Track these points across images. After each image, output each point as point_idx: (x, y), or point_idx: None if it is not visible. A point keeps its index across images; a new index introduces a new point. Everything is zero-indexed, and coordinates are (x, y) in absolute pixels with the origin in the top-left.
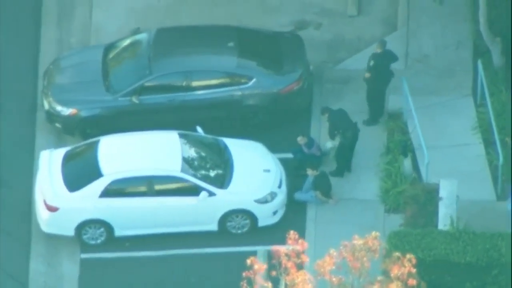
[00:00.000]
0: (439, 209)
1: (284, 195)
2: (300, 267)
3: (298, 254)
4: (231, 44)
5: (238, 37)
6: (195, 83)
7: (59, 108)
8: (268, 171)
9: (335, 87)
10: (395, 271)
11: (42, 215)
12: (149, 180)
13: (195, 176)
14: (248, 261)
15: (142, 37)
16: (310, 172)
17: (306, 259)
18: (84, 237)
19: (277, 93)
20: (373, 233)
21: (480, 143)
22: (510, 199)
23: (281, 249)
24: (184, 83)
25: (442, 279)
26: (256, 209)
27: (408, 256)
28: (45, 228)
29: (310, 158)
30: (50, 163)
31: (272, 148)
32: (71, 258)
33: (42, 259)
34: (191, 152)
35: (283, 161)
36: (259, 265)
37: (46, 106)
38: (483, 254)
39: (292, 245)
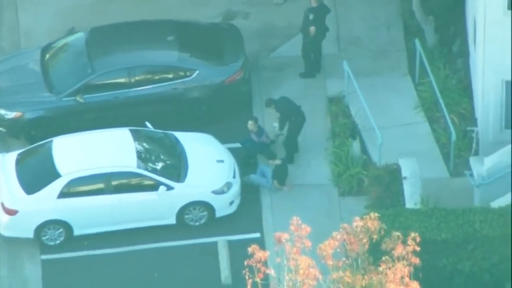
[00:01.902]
0: (404, 189)
1: (239, 185)
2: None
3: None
4: (170, 38)
5: (176, 31)
6: (138, 79)
7: (2, 111)
8: (222, 161)
9: (272, 75)
10: (399, 250)
11: (1, 219)
12: (106, 178)
13: (151, 171)
14: (250, 250)
15: (79, 36)
16: (271, 162)
17: (309, 243)
18: (44, 238)
19: (221, 84)
20: (372, 214)
21: (424, 121)
22: (471, 172)
23: (284, 235)
24: (127, 80)
25: (419, 257)
26: (214, 200)
27: (412, 234)
28: (4, 231)
29: (260, 146)
30: (3, 167)
31: (219, 139)
32: (32, 260)
33: (3, 263)
34: (145, 148)
35: (232, 151)
36: (262, 253)
37: None
38: (457, 230)
39: (294, 230)
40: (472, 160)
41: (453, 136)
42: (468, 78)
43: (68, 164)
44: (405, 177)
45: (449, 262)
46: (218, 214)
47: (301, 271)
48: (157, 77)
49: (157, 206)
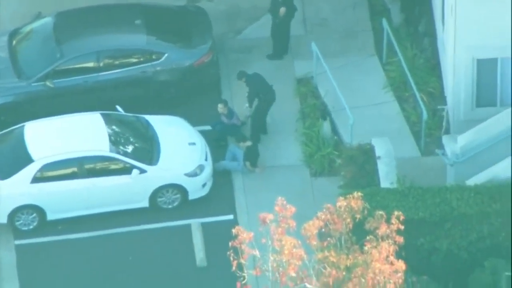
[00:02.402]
0: (378, 168)
1: (211, 167)
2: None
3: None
4: (138, 21)
5: (144, 14)
6: (107, 63)
7: None
8: (194, 144)
9: (239, 57)
10: (382, 229)
11: None
12: (79, 162)
13: (124, 154)
14: (234, 231)
15: (46, 21)
16: (242, 144)
17: (293, 223)
18: (17, 223)
19: (189, 67)
20: (355, 193)
21: (393, 100)
22: (443, 150)
23: (269, 215)
24: (96, 64)
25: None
26: (186, 183)
27: (396, 213)
28: None
29: (231, 128)
30: None
31: (189, 122)
32: (6, 246)
33: None
34: (117, 131)
35: (203, 134)
36: (247, 234)
37: None
38: (434, 209)
39: (279, 211)
40: (445, 139)
41: (424, 115)
42: (435, 57)
43: (40, 149)
44: (379, 157)
45: (427, 240)
46: (191, 196)
47: (286, 251)
48: (126, 61)
49: (130, 189)
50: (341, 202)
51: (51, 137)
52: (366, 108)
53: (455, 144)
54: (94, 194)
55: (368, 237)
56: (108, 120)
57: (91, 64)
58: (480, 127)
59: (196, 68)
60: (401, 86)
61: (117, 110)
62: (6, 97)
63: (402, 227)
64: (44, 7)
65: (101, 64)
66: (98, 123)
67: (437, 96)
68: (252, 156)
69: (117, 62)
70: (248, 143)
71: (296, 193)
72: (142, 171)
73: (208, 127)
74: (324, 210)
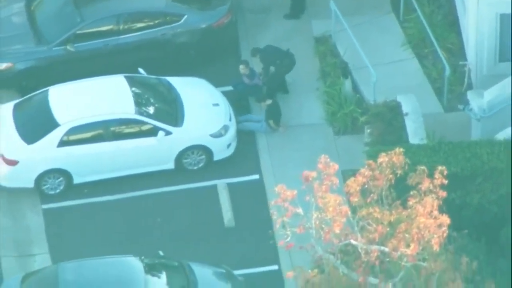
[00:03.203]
0: (406, 125)
1: (235, 127)
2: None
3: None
4: None
5: None
6: (127, 26)
7: None
8: (217, 105)
9: (257, 17)
10: (426, 184)
11: (0, 170)
12: (105, 125)
13: (149, 116)
14: (276, 189)
15: None
16: (263, 103)
17: (336, 181)
18: (44, 187)
19: (209, 28)
20: (397, 149)
21: (413, 57)
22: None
23: (311, 173)
24: (116, 27)
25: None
26: (212, 144)
27: (440, 168)
28: (4, 182)
29: (252, 88)
30: (1, 118)
31: (210, 83)
32: (34, 210)
33: (6, 214)
34: (141, 94)
35: (224, 94)
36: (290, 192)
37: None
38: (465, 163)
39: (323, 168)
40: (470, 94)
41: (447, 71)
42: (452, 13)
43: (66, 113)
44: (406, 113)
45: (457, 195)
46: (216, 157)
47: (330, 209)
48: (145, 24)
49: (156, 151)
50: (383, 158)
51: (75, 100)
52: (385, 66)
53: (481, 99)
54: (120, 157)
55: (411, 192)
56: (131, 82)
57: (111, 27)
58: (506, 81)
59: (215, 30)
60: (420, 43)
61: (139, 73)
62: (27, 62)
63: (445, 182)
64: None
65: (121, 27)
66: (122, 85)
67: (456, 52)
68: (274, 114)
69: (137, 25)
70: (269, 101)
71: (320, 151)
72: (168, 132)
73: (229, 88)
74: (366, 166)
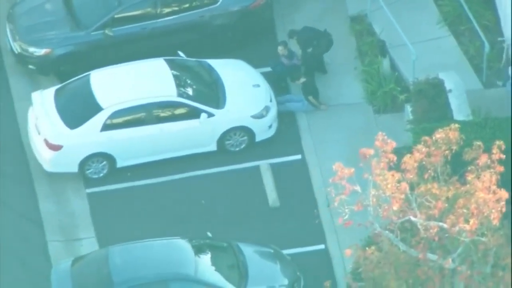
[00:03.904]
0: (450, 101)
1: (276, 108)
2: None
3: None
4: None
5: None
6: (164, 9)
7: (32, 49)
8: (258, 86)
9: None
10: (483, 159)
11: (44, 155)
12: (148, 108)
13: (191, 99)
14: (334, 167)
15: None
16: (297, 82)
17: (394, 158)
18: (87, 172)
19: (245, 10)
20: (452, 125)
21: (449, 35)
22: (509, 81)
23: (368, 151)
24: (153, 10)
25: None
26: (254, 125)
27: (498, 142)
28: (49, 167)
29: (291, 69)
30: (42, 103)
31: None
32: (78, 194)
33: (50, 199)
34: (182, 76)
35: (263, 75)
36: (348, 170)
37: (18, 49)
38: None
39: (380, 146)
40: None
41: (487, 47)
42: None
43: (109, 97)
44: (450, 90)
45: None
46: (258, 138)
47: (389, 186)
48: (183, 6)
49: (199, 133)
50: (440, 134)
51: (117, 84)
52: (422, 44)
53: None
54: (163, 140)
55: (469, 168)
56: (172, 65)
57: (148, 11)
58: None
59: (252, 11)
60: (456, 20)
61: (179, 56)
62: (65, 47)
63: (503, 157)
64: None
65: (159, 11)
66: (163, 69)
67: (492, 28)
68: (311, 90)
69: (174, 8)
70: (302, 79)
71: (361, 130)
72: (210, 114)
73: (267, 69)
74: (422, 142)
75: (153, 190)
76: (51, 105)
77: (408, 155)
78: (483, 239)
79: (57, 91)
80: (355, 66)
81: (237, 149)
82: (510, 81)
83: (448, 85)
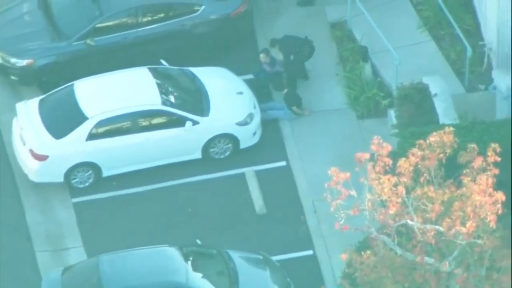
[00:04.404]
0: (436, 106)
1: (259, 115)
2: None
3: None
4: None
5: None
6: (146, 18)
7: (13, 60)
8: (241, 93)
9: (270, 5)
10: (478, 162)
11: (30, 165)
12: (133, 117)
13: (176, 107)
14: (329, 172)
15: None
16: (282, 92)
17: (390, 162)
18: (73, 181)
19: (226, 18)
20: (447, 129)
21: (430, 40)
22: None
23: (364, 155)
24: (135, 19)
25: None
26: (238, 132)
27: (493, 145)
28: (34, 178)
29: (274, 76)
30: (27, 114)
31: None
32: (64, 204)
33: (36, 209)
34: (166, 85)
35: (246, 83)
36: (344, 174)
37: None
38: (501, 142)
39: (376, 150)
40: (496, 73)
41: (469, 51)
42: None
43: (93, 106)
44: (435, 94)
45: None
46: (242, 145)
47: (385, 190)
48: (164, 15)
49: (184, 141)
50: (434, 138)
51: (102, 94)
52: (403, 49)
53: (509, 78)
54: (148, 148)
55: (464, 171)
56: (155, 74)
57: (130, 20)
58: None
59: (233, 19)
60: (436, 25)
61: (161, 64)
62: (47, 58)
63: (499, 159)
64: None
65: (140, 20)
66: (146, 77)
67: (473, 33)
68: (294, 100)
69: (155, 17)
70: (285, 90)
71: (345, 136)
72: (195, 122)
73: (249, 76)
74: (417, 146)
75: (138, 199)
76: (35, 116)
77: (403, 159)
78: (479, 241)
79: (41, 101)
80: (337, 72)
81: (222, 156)
82: (493, 84)
83: (433, 90)
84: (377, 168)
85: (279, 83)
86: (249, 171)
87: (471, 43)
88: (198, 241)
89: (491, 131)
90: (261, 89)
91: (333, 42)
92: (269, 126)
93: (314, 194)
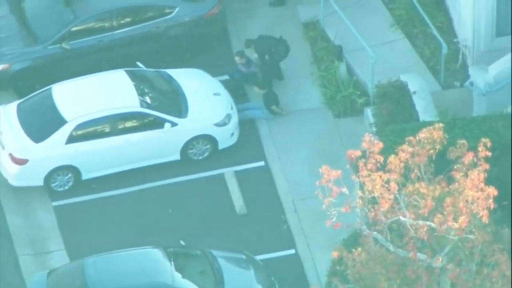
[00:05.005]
0: (415, 103)
1: (237, 116)
2: None
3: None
4: None
5: None
6: (120, 21)
7: None
8: (219, 94)
9: (242, 6)
10: (469, 157)
11: (10, 169)
12: (112, 120)
13: (154, 109)
14: (321, 170)
15: None
16: (257, 90)
17: (381, 158)
18: (53, 185)
19: (200, 19)
20: (436, 125)
21: (403, 38)
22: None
23: (356, 152)
24: (110, 22)
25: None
26: (217, 133)
27: (483, 140)
28: (14, 182)
29: (250, 76)
30: (5, 118)
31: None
32: (44, 207)
33: (17, 213)
34: (143, 87)
35: (222, 83)
36: (335, 172)
37: None
38: (483, 137)
39: (367, 147)
40: (473, 70)
41: (444, 48)
42: None
43: (72, 110)
44: (414, 92)
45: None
46: (221, 146)
47: (377, 186)
48: (139, 18)
49: (163, 143)
50: (424, 134)
51: (80, 97)
52: (377, 47)
53: (486, 74)
54: (128, 151)
55: (455, 166)
56: (133, 76)
57: (105, 23)
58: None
59: (206, 20)
60: (409, 23)
61: (138, 67)
62: (23, 62)
63: (489, 154)
64: None
65: (115, 23)
66: (124, 80)
67: (445, 30)
68: (273, 99)
69: (130, 20)
70: (263, 90)
71: (323, 135)
72: (174, 124)
73: (225, 77)
74: (406, 143)
75: (119, 201)
76: (14, 120)
77: (393, 156)
78: (471, 236)
79: (19, 105)
80: (312, 72)
81: (200, 157)
82: (470, 81)
83: (412, 87)
84: (369, 166)
85: (256, 82)
86: (228, 172)
87: (445, 40)
88: (182, 242)
89: (472, 127)
90: (236, 90)
91: (307, 41)
92: (246, 126)
93: (294, 193)
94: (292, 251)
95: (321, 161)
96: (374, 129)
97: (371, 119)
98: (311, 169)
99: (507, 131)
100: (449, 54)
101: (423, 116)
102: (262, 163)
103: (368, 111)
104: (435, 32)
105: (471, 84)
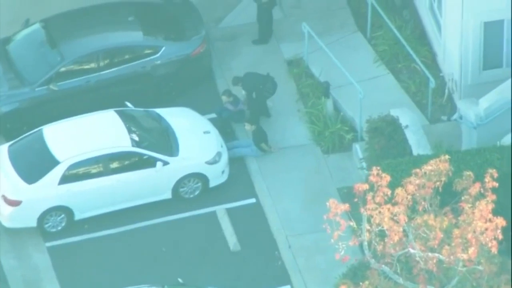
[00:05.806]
0: (408, 137)
1: (227, 153)
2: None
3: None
4: (131, 18)
5: (134, 11)
6: (107, 61)
7: None
8: (208, 132)
9: (225, 45)
10: (475, 188)
11: (3, 211)
12: (104, 159)
13: (146, 148)
14: (328, 204)
15: (36, 27)
16: (248, 127)
17: (388, 192)
18: (46, 226)
19: (186, 58)
20: (442, 156)
21: (388, 73)
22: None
23: (363, 185)
24: (96, 63)
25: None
26: (208, 171)
27: (490, 171)
28: (7, 223)
29: (237, 114)
30: None
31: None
32: (38, 248)
33: (10, 254)
34: (134, 127)
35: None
36: (343, 206)
37: None
38: (478, 170)
39: (374, 180)
40: (463, 103)
41: (432, 83)
42: (419, 26)
43: (64, 150)
44: (406, 126)
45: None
46: (212, 184)
47: (386, 219)
48: (125, 58)
49: (155, 182)
50: (431, 166)
51: (72, 138)
52: (362, 83)
53: (477, 107)
54: (120, 190)
55: (463, 197)
56: (123, 116)
57: (92, 64)
58: (504, 85)
59: (192, 59)
60: (393, 59)
61: (126, 106)
62: (11, 104)
63: (496, 185)
64: (26, 14)
65: (102, 63)
66: (114, 120)
67: (429, 65)
68: (262, 136)
69: (117, 60)
70: (253, 127)
71: (312, 171)
72: (165, 163)
73: (211, 115)
74: (413, 175)
75: (112, 241)
76: (6, 162)
77: (400, 188)
78: (479, 267)
79: (10, 147)
80: (298, 109)
81: (191, 196)
82: (459, 115)
83: (403, 121)
84: (377, 199)
85: (246, 119)
86: (220, 209)
87: (430, 75)
88: (180, 280)
89: (468, 159)
90: (224, 128)
91: (291, 78)
92: (236, 164)
93: (287, 229)
94: (288, 287)
95: (312, 197)
96: (364, 164)
97: (361, 155)
98: (302, 205)
99: (502, 163)
100: (434, 88)
101: (416, 150)
102: (253, 200)
103: (357, 147)
104: (421, 66)
105: (460, 117)
